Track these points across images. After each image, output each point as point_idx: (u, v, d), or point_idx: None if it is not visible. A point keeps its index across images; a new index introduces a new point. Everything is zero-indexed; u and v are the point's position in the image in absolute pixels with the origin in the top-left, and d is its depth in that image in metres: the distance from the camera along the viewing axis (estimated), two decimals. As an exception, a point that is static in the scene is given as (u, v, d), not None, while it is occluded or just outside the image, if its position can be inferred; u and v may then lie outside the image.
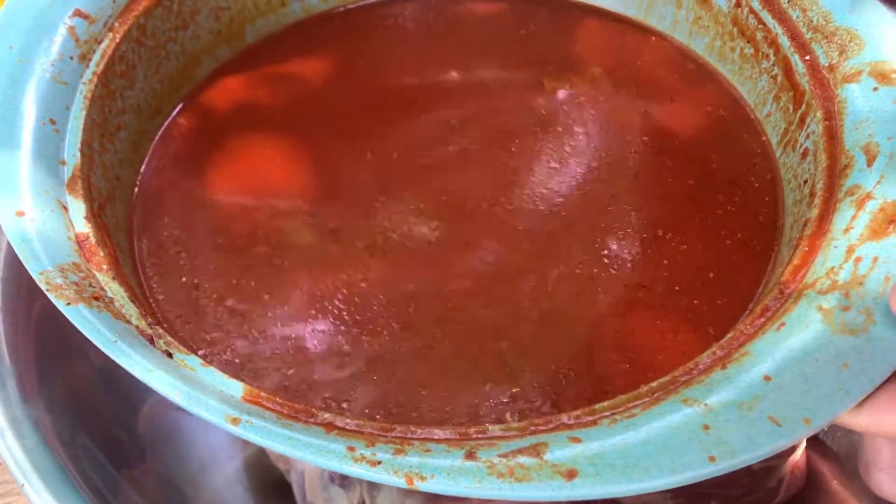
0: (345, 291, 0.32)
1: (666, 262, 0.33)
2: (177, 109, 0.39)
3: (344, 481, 0.38)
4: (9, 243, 0.28)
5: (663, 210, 0.35)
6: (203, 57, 0.41)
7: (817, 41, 0.34)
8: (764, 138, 0.37)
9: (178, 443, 0.42)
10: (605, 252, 0.33)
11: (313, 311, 0.32)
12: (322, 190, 0.36)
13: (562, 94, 0.39)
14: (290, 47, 0.42)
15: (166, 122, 0.39)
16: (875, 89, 0.32)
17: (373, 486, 0.37)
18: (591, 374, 0.30)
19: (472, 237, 0.34)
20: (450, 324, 0.31)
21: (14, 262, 0.35)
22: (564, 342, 0.31)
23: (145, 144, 0.38)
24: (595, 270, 0.33)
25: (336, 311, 0.32)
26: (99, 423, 0.38)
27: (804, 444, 0.40)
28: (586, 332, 0.31)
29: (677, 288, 0.32)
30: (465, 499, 0.35)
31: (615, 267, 0.33)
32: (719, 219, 0.34)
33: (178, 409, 0.41)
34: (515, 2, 0.43)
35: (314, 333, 0.31)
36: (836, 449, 0.43)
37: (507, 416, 0.29)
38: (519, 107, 0.39)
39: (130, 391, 0.40)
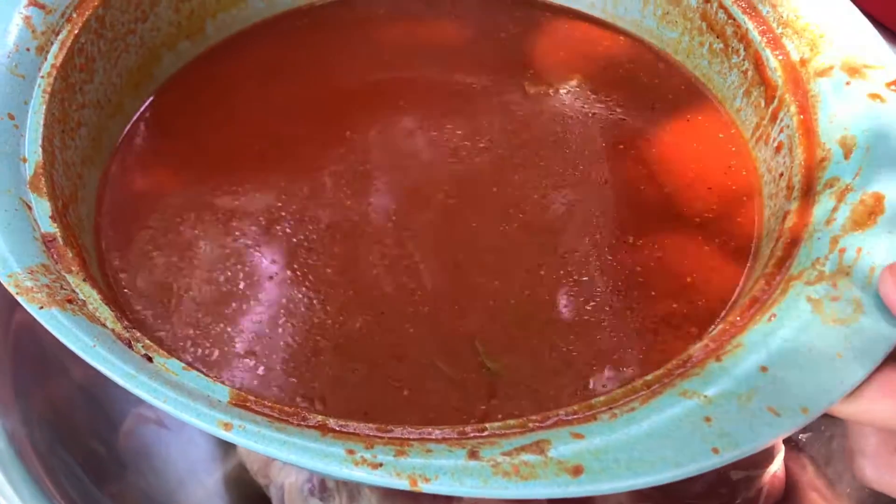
0: (313, 281, 0.32)
1: (639, 268, 0.32)
2: (141, 108, 0.38)
3: (323, 494, 0.38)
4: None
5: (637, 218, 0.34)
6: (163, 51, 0.40)
7: (788, 36, 0.35)
8: (734, 130, 0.37)
9: (158, 458, 0.41)
10: (574, 259, 0.33)
11: (284, 304, 0.31)
12: (287, 187, 0.35)
13: (538, 98, 0.39)
14: (254, 46, 0.41)
15: (130, 122, 0.38)
16: (847, 83, 0.32)
17: (352, 499, 0.36)
18: (572, 372, 0.30)
19: (434, 238, 0.33)
20: (421, 325, 0.31)
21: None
22: (539, 343, 0.31)
23: (107, 143, 0.36)
24: (561, 274, 0.32)
25: (307, 303, 0.31)
26: (77, 438, 0.37)
27: (782, 452, 0.40)
28: (560, 335, 0.31)
29: (653, 293, 0.32)
30: (451, 500, 0.34)
31: (584, 273, 0.32)
32: (696, 226, 0.34)
33: (158, 423, 0.40)
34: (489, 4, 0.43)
35: (286, 327, 0.30)
36: (815, 458, 0.44)
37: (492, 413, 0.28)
38: (494, 110, 0.38)
39: (110, 406, 0.40)
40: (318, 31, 0.42)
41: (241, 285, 0.32)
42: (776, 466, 0.40)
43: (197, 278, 0.32)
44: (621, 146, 0.37)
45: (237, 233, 0.34)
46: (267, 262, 0.32)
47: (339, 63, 0.40)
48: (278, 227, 0.34)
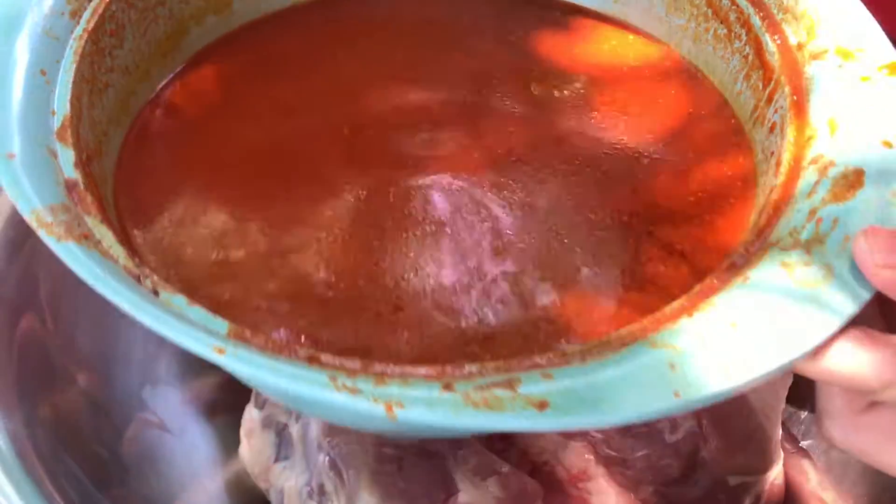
0: (323, 237, 0.33)
1: (632, 240, 0.34)
2: (168, 77, 0.40)
3: (322, 497, 0.40)
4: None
5: (634, 198, 0.36)
6: (191, 24, 0.42)
7: (787, 21, 0.36)
8: (733, 118, 0.38)
9: (161, 462, 0.44)
10: (564, 241, 0.34)
11: (291, 259, 0.33)
12: (295, 161, 0.37)
13: (546, 97, 0.40)
14: (281, 28, 0.43)
15: (156, 89, 0.40)
16: (840, 66, 0.33)
17: (350, 502, 0.38)
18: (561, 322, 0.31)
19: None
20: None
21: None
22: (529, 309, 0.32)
23: (133, 106, 0.39)
24: (559, 240, 0.34)
25: (313, 258, 0.33)
26: (81, 442, 0.39)
27: (782, 459, 0.41)
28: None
29: (643, 259, 0.33)
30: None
31: (577, 250, 0.34)
32: (692, 204, 0.35)
33: (161, 428, 0.42)
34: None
35: (295, 279, 0.32)
36: (815, 464, 0.45)
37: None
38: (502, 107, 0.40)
39: (115, 412, 0.43)
40: (337, 24, 0.44)
41: (253, 244, 0.34)
42: (776, 473, 0.41)
43: (208, 240, 0.34)
44: (623, 138, 0.38)
45: (251, 198, 0.35)
46: (279, 219, 0.34)
47: (356, 54, 0.42)
48: (289, 191, 0.36)
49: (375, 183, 0.35)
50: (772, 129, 0.35)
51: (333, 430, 0.41)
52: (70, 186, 0.30)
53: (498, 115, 0.39)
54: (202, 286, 0.32)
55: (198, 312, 0.27)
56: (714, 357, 0.25)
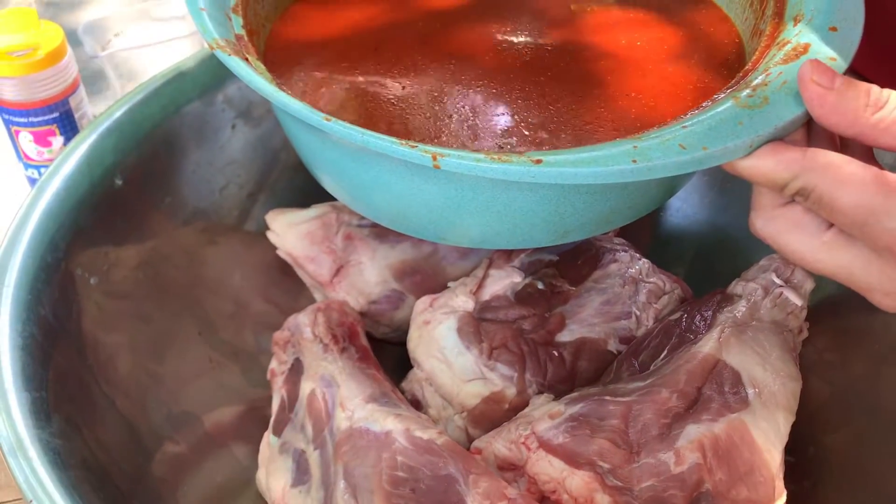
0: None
1: (633, 93, 0.45)
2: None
3: None
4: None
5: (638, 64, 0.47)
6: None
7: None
8: (738, 39, 0.49)
9: (183, 486, 0.48)
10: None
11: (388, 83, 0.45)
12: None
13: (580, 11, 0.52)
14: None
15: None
16: (811, -19, 0.43)
17: None
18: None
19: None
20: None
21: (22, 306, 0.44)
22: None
23: (282, 8, 0.52)
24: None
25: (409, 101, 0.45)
26: (112, 459, 0.44)
27: (784, 495, 0.43)
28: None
29: (632, 95, 0.44)
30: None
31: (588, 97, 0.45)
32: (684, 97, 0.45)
33: (193, 452, 0.49)
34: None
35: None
36: None
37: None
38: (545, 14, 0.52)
39: (146, 436, 0.47)
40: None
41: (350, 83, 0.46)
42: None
43: (335, 98, 0.46)
44: (637, 39, 0.49)
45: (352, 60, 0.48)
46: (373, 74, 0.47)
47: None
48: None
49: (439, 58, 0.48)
50: (759, 35, 0.45)
51: (348, 456, 0.43)
52: (237, 37, 0.44)
53: (539, 23, 0.51)
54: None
55: (306, 107, 0.39)
56: (665, 145, 0.35)
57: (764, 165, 0.36)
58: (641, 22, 0.51)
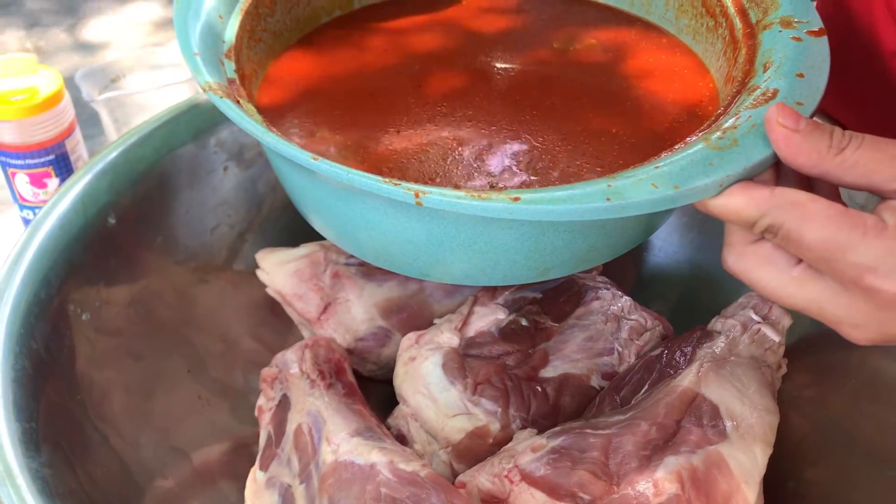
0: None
1: (615, 129, 0.47)
2: (300, 36, 0.56)
3: None
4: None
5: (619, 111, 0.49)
6: (321, 13, 0.58)
7: (751, 7, 0.48)
8: (712, 85, 0.51)
9: None
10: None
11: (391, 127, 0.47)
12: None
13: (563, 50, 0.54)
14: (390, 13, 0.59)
15: (291, 44, 0.55)
16: (780, 31, 0.45)
17: None
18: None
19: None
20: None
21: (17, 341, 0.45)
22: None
23: (276, 51, 0.54)
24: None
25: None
26: (104, 493, 0.45)
27: None
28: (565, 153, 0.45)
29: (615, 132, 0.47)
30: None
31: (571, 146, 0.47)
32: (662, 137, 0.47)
33: (181, 488, 0.50)
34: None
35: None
36: None
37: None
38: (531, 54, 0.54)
39: (139, 473, 0.48)
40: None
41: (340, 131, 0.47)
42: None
43: (327, 134, 0.48)
44: (618, 81, 0.51)
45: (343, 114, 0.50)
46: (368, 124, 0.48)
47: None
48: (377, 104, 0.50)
49: (432, 101, 0.50)
50: (732, 81, 0.47)
51: (333, 488, 0.44)
52: (230, 80, 0.46)
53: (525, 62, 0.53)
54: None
55: (294, 147, 0.41)
56: (638, 184, 0.37)
57: (734, 204, 0.37)
58: (622, 63, 0.53)
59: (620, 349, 0.53)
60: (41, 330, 0.46)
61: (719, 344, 0.50)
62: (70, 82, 0.76)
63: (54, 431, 0.43)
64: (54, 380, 0.46)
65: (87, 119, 0.91)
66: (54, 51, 1.15)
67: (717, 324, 0.52)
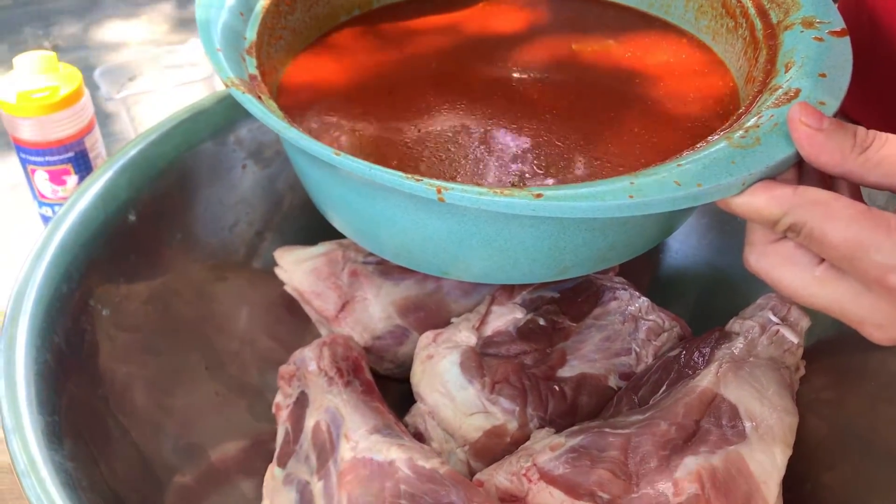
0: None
1: (636, 128, 0.47)
2: (320, 34, 0.56)
3: None
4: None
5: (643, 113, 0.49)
6: (340, 12, 0.58)
7: (772, 7, 0.48)
8: (732, 84, 0.50)
9: None
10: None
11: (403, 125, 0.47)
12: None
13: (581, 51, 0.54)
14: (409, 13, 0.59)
15: (309, 42, 0.56)
16: (801, 32, 0.45)
17: None
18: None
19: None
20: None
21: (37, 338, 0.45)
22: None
23: (296, 48, 0.54)
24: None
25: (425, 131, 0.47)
26: (125, 489, 0.45)
27: None
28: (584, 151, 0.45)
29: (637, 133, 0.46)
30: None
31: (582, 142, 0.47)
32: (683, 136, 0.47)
33: (199, 484, 0.50)
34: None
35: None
36: None
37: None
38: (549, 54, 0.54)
39: (160, 467, 0.49)
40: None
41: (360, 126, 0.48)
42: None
43: (348, 141, 0.48)
44: (637, 80, 0.51)
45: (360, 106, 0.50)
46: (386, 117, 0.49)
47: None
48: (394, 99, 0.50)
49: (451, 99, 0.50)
50: (753, 81, 0.47)
51: (352, 485, 0.44)
52: (251, 77, 0.46)
53: (544, 62, 0.53)
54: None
55: (316, 142, 0.41)
56: (661, 182, 0.37)
57: (756, 202, 0.37)
58: (642, 63, 0.53)
59: (638, 349, 0.53)
60: (63, 324, 0.47)
61: (738, 345, 0.49)
62: (88, 80, 0.77)
63: (76, 425, 0.43)
64: (76, 374, 0.46)
65: (106, 117, 0.91)
66: (72, 48, 1.16)
67: (735, 325, 0.52)
